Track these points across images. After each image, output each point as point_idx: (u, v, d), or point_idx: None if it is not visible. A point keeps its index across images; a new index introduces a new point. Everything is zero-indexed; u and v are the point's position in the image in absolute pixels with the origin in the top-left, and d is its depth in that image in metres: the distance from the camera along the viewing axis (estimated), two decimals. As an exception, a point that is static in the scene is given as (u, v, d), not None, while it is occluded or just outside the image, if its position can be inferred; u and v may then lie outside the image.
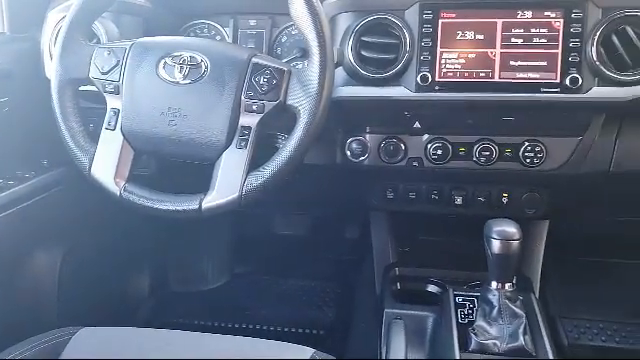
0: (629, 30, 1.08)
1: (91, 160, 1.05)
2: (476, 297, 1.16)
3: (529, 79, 1.12)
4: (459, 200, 1.32)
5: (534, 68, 1.11)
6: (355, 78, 1.17)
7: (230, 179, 0.99)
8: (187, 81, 1.01)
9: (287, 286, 1.99)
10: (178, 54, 1.03)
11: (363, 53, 1.16)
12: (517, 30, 1.12)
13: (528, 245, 1.41)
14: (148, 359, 0.91)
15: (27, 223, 1.30)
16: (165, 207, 1.02)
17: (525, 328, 1.03)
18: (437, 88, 1.14)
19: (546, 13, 1.11)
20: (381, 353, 1.21)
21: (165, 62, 1.03)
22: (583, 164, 1.21)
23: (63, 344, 0.95)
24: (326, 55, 0.97)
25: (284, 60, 1.28)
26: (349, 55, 1.15)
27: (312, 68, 0.97)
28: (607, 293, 1.71)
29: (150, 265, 1.94)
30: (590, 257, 1.82)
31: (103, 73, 1.05)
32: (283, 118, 1.00)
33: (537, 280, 1.43)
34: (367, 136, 1.26)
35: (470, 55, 1.13)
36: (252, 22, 1.37)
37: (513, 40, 1.12)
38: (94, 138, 1.07)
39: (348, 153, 1.28)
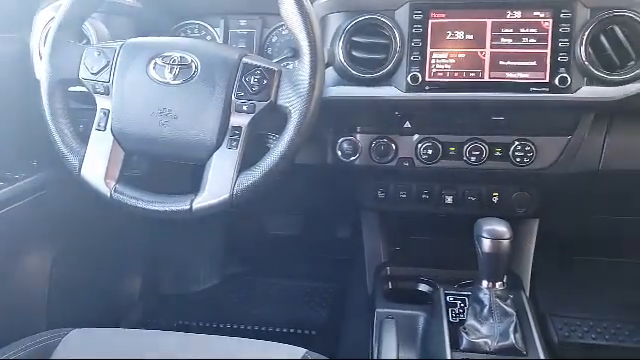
0: (617, 30, 1.09)
1: (81, 161, 1.05)
2: (467, 296, 1.17)
3: (519, 79, 1.12)
4: (450, 199, 1.33)
5: (523, 68, 1.12)
6: (346, 78, 1.17)
7: (221, 179, 0.98)
8: (177, 81, 1.00)
9: (279, 286, 1.99)
10: (168, 54, 1.02)
11: (354, 53, 1.16)
12: (507, 30, 1.12)
13: (518, 244, 1.42)
14: None
15: (17, 225, 1.29)
16: (156, 208, 1.01)
17: (516, 326, 1.04)
18: (427, 88, 1.15)
19: (535, 13, 1.12)
20: (373, 352, 1.20)
21: (155, 62, 1.02)
22: (573, 163, 1.22)
23: (54, 345, 0.95)
24: (317, 55, 0.97)
25: (275, 60, 1.28)
26: (340, 55, 1.15)
27: (303, 68, 0.97)
28: (597, 291, 1.73)
29: (142, 266, 1.93)
30: (580, 255, 1.83)
31: (93, 74, 1.05)
32: (274, 118, 1.00)
33: (527, 278, 1.44)
34: (358, 136, 1.27)
35: (460, 55, 1.14)
36: (243, 22, 1.37)
37: (503, 40, 1.12)
38: (84, 139, 1.06)
39: (339, 153, 1.28)
